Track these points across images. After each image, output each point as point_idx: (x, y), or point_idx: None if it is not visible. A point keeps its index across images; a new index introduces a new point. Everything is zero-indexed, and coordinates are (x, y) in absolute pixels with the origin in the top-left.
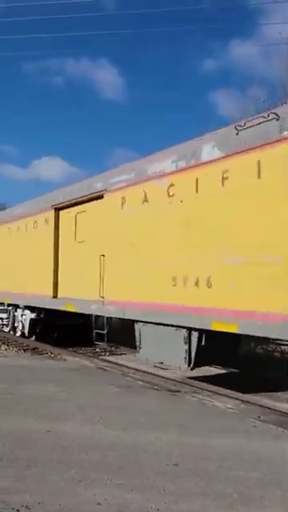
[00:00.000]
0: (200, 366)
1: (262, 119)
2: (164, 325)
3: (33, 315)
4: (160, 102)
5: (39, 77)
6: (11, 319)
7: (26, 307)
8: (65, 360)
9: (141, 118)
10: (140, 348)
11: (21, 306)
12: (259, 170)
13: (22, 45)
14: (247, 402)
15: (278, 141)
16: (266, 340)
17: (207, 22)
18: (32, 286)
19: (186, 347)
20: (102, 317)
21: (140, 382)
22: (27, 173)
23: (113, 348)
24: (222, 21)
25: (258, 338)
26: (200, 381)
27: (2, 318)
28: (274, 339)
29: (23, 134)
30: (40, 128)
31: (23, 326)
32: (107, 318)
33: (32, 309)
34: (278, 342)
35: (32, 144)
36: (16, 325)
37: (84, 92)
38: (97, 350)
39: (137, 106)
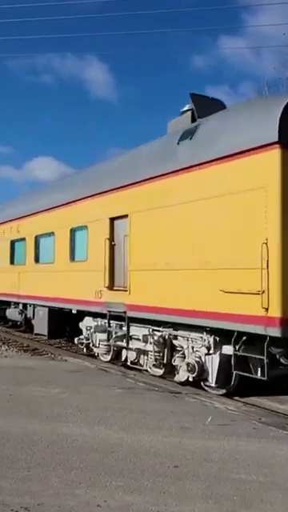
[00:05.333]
0: None
1: None
2: None
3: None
4: (151, 99)
5: (27, 76)
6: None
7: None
8: (65, 361)
9: (133, 116)
10: None
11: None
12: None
13: (7, 45)
14: (248, 403)
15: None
16: None
17: (197, 19)
18: None
19: None
20: None
21: (141, 384)
22: (21, 173)
23: None
24: (212, 19)
25: None
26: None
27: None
28: None
29: (15, 135)
30: (32, 128)
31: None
32: None
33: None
34: None
35: (25, 144)
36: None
37: (74, 90)
38: None
39: (128, 103)
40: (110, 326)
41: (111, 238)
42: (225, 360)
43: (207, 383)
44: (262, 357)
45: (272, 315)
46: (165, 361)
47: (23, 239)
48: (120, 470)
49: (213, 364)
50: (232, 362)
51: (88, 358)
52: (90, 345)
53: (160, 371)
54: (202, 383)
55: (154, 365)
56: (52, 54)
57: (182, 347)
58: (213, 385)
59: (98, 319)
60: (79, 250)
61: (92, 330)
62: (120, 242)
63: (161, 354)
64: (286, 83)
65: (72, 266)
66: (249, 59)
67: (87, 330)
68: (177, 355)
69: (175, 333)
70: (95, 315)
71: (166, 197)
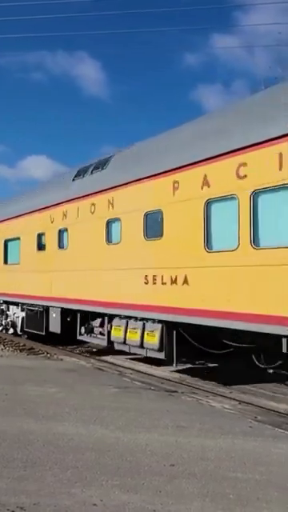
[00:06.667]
0: None
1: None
2: None
3: None
4: (145, 97)
5: (18, 73)
6: None
7: None
8: (61, 360)
9: (127, 114)
10: None
11: None
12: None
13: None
14: (244, 402)
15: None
16: None
17: (189, 18)
18: None
19: None
20: None
21: (137, 383)
22: (15, 172)
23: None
24: (204, 17)
25: None
26: (196, 380)
27: None
28: None
29: (7, 133)
30: (25, 126)
31: None
32: None
33: None
34: None
35: (17, 143)
36: None
37: (67, 89)
38: (93, 349)
39: (121, 101)
40: None
41: None
42: None
43: None
44: None
45: None
46: None
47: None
48: (116, 469)
49: None
50: None
51: (84, 357)
52: None
53: None
54: None
55: None
56: (43, 52)
57: None
58: None
59: None
60: None
61: None
62: None
63: None
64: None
65: None
66: (242, 57)
67: None
68: None
69: None
70: None
71: None
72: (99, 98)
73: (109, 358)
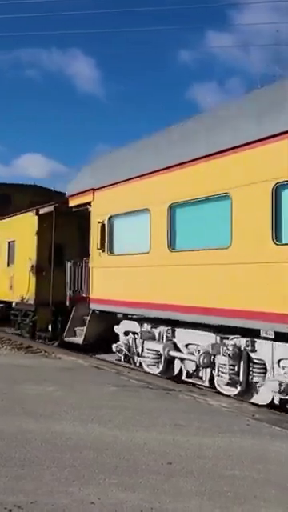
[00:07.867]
0: None
1: None
2: None
3: None
4: (141, 96)
5: (12, 71)
6: None
7: None
8: (59, 359)
9: (121, 112)
10: None
11: None
12: None
13: None
14: (242, 400)
15: None
16: None
17: (184, 17)
18: None
19: None
20: None
21: (135, 381)
22: (11, 170)
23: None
24: (199, 16)
25: None
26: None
27: None
28: None
29: (2, 131)
30: (20, 124)
31: None
32: None
33: None
34: None
35: (12, 141)
36: None
37: (62, 87)
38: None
39: (116, 100)
40: None
41: None
42: None
43: None
44: None
45: None
46: None
47: None
48: (114, 468)
49: None
50: None
51: (82, 356)
52: None
53: None
54: None
55: None
56: (37, 49)
57: None
58: None
59: None
60: None
61: None
62: None
63: None
64: (280, 80)
65: None
66: (238, 56)
67: None
68: None
69: None
70: None
71: None
72: (94, 96)
73: (106, 357)
